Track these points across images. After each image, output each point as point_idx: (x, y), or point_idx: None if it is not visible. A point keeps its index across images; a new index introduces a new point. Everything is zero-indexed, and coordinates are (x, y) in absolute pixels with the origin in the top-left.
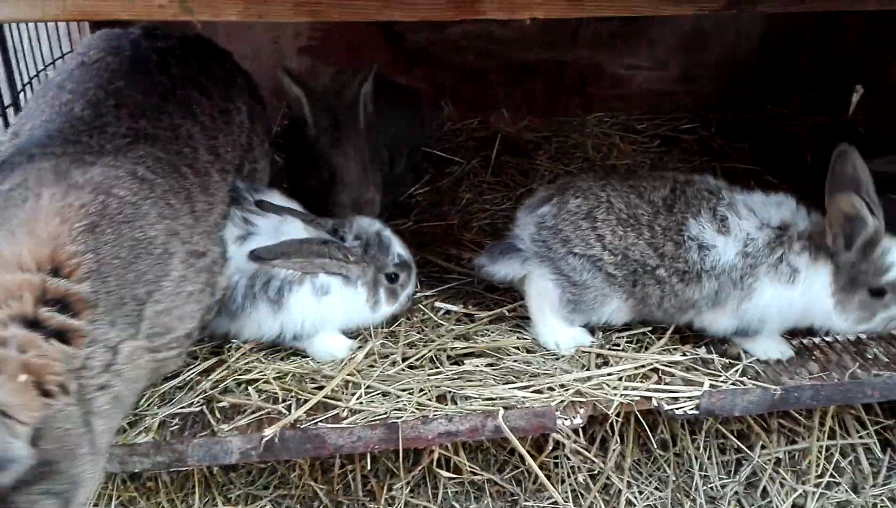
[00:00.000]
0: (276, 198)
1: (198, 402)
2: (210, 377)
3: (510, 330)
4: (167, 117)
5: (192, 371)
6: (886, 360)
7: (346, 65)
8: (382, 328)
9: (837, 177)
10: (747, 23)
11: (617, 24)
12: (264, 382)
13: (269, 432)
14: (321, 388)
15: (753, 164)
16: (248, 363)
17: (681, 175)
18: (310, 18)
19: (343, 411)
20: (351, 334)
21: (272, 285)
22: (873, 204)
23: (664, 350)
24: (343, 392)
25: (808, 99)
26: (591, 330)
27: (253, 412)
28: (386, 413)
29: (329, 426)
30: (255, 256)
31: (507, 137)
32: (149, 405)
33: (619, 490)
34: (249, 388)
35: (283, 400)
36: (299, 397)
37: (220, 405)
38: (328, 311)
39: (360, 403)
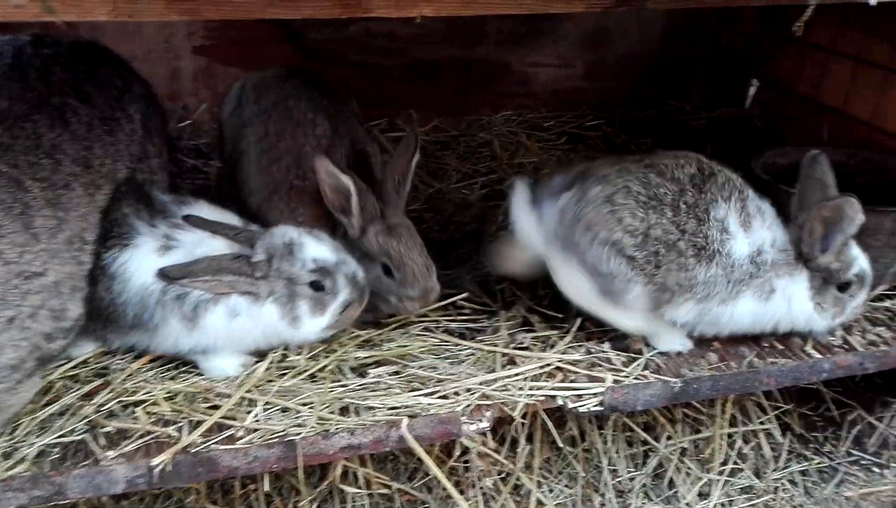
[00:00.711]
0: (205, 210)
1: (80, 429)
2: (93, 401)
3: (417, 335)
4: (30, 126)
5: (73, 395)
6: (781, 347)
7: (243, 65)
8: None
9: (808, 181)
10: (649, 19)
11: (521, 21)
12: (153, 404)
13: (158, 460)
14: (215, 407)
15: None
16: (135, 383)
17: (705, 158)
18: (184, 17)
19: (238, 430)
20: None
21: (187, 302)
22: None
23: (569, 348)
24: (239, 410)
25: (708, 93)
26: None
27: (141, 437)
28: (284, 430)
29: (222, 447)
30: (162, 274)
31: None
32: (25, 435)
33: (530, 491)
34: (137, 410)
35: (174, 422)
36: (191, 418)
37: (105, 430)
38: (239, 333)
39: (257, 421)
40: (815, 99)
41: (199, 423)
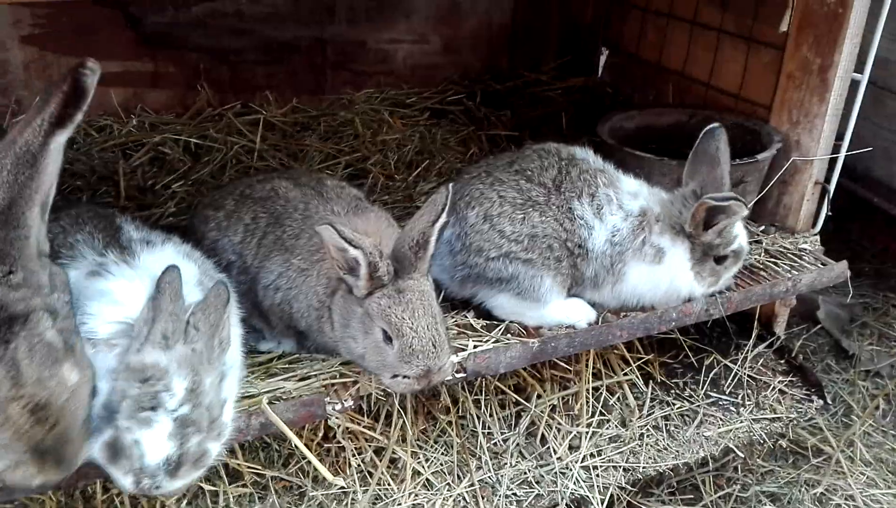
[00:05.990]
0: (169, 254)
1: None
2: None
3: None
4: None
5: None
6: None
7: (81, 53)
8: None
9: (700, 154)
10: None
11: None
12: None
13: None
14: None
15: (516, 130)
16: None
17: (563, 150)
18: None
19: None
20: None
21: None
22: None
23: None
24: None
25: (562, 63)
26: None
27: None
28: None
29: None
30: None
31: (272, 120)
32: None
33: (406, 463)
34: None
35: None
36: None
37: None
38: None
39: None
40: (659, 63)
41: None
